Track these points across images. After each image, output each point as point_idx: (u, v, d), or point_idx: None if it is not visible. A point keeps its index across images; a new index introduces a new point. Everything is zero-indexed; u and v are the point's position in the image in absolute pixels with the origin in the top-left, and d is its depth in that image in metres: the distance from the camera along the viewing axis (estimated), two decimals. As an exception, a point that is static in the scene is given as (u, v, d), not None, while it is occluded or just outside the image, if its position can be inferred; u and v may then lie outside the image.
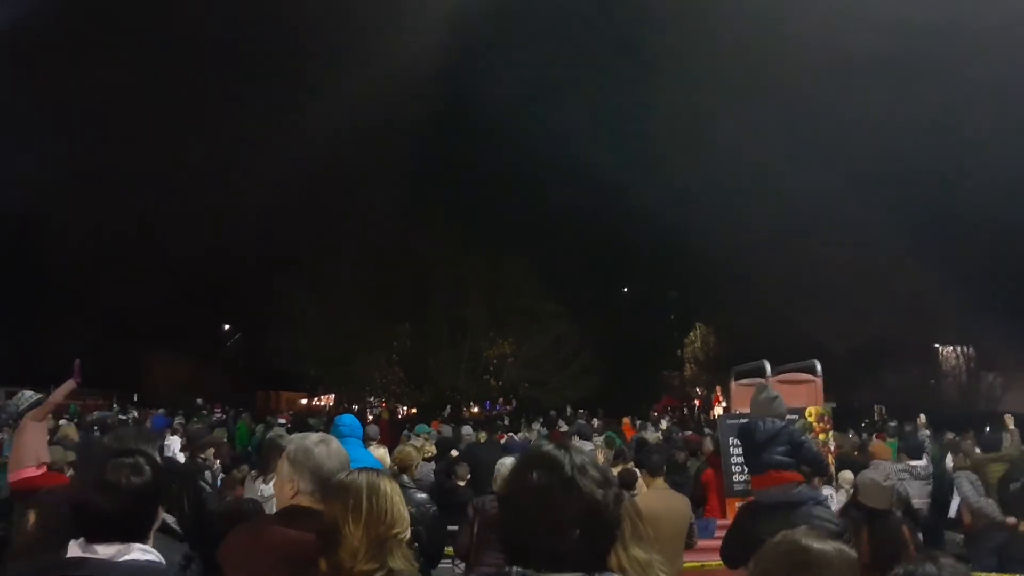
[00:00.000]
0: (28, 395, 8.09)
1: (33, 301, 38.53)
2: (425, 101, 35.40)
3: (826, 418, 8.62)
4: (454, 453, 11.38)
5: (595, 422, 20.33)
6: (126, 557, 2.13)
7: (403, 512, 2.50)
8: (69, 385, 8.04)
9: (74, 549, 2.14)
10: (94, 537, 2.14)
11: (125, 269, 38.25)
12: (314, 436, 3.08)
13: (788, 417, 7.83)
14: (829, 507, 4.61)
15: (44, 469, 7.27)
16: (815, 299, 34.62)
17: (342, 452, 2.98)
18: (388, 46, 32.86)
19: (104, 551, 2.12)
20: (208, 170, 36.22)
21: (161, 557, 2.25)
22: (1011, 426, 11.89)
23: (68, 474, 7.39)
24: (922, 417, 16.34)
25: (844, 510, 5.94)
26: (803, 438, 5.48)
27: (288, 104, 35.20)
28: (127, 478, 2.20)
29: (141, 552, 2.17)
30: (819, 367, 8.89)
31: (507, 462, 6.16)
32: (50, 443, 8.52)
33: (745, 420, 5.90)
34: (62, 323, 34.79)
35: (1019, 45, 25.08)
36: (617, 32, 35.14)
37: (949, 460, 11.78)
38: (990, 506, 8.53)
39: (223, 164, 35.56)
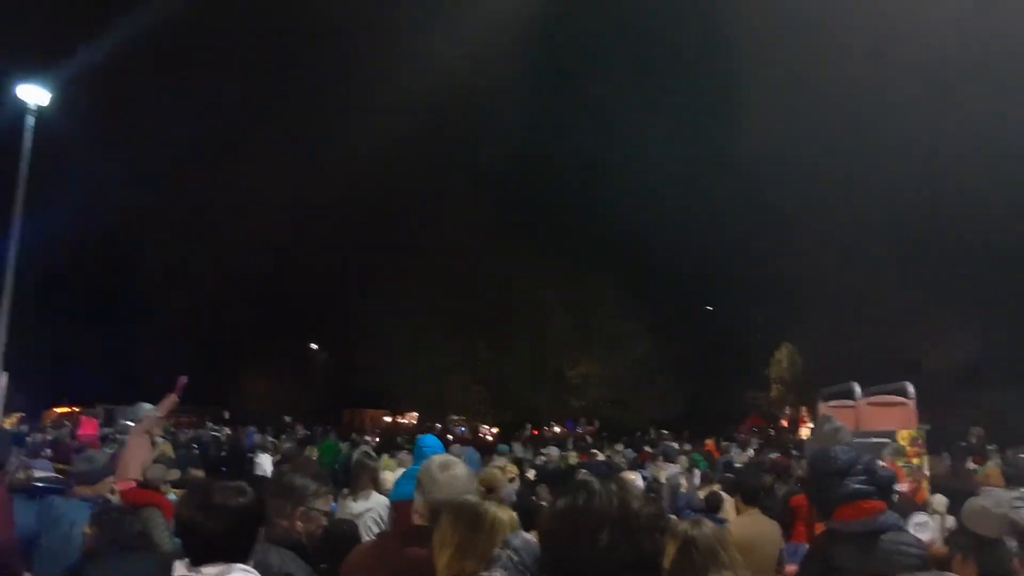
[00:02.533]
0: (146, 407, 8.37)
1: (131, 323, 40.14)
2: (506, 120, 35.74)
3: (919, 441, 8.36)
4: (531, 474, 11.38)
5: (682, 444, 20.06)
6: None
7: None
8: (172, 400, 8.36)
9: (180, 568, 2.25)
10: (199, 558, 2.24)
11: (217, 291, 39.61)
12: (438, 459, 3.09)
13: (878, 441, 7.67)
14: (909, 532, 4.45)
15: (133, 484, 7.54)
16: (908, 316, 33.52)
17: (464, 476, 2.99)
18: (469, 62, 33.30)
19: (208, 571, 2.22)
20: (295, 195, 37.26)
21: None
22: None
23: (167, 494, 7.65)
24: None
25: (951, 537, 5.72)
26: (876, 463, 5.32)
27: (371, 124, 35.88)
28: (233, 500, 2.30)
29: (242, 572, 2.25)
30: (911, 389, 8.63)
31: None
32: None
33: (815, 449, 5.75)
34: (158, 343, 36.16)
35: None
36: (700, 49, 34.85)
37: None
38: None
39: (309, 189, 36.53)
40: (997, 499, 8.01)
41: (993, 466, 12.20)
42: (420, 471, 2.99)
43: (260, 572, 2.34)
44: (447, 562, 2.41)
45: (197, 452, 17.16)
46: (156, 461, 9.96)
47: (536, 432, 29.84)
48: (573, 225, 35.88)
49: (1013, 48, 25.75)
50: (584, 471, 10.26)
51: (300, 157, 36.59)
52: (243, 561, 2.30)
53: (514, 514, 2.59)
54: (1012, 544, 7.46)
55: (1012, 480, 10.01)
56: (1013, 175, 28.61)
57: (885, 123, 31.12)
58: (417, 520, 2.82)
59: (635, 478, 7.95)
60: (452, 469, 2.95)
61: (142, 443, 8.26)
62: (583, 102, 34.96)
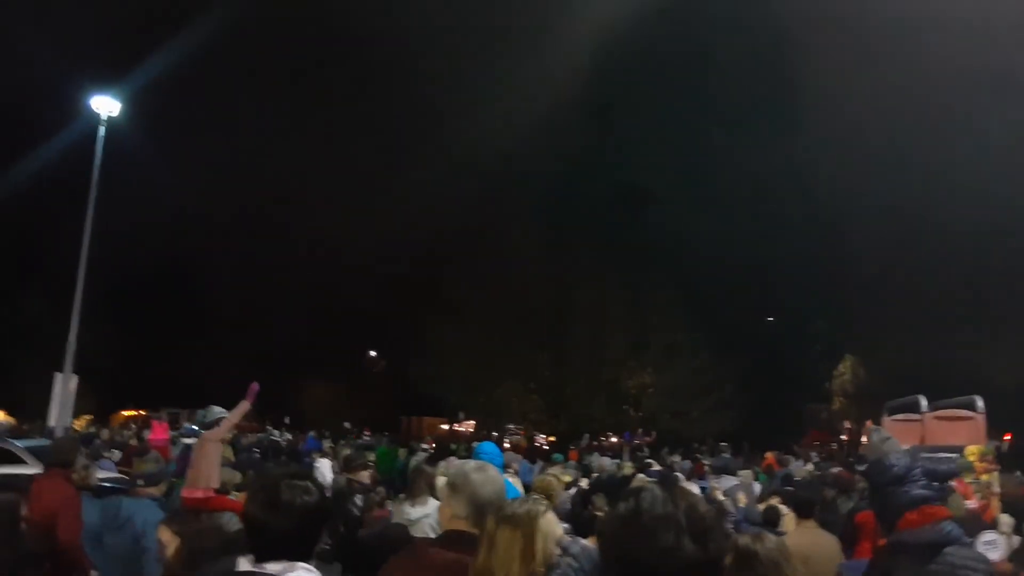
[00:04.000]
0: (217, 411, 8.46)
1: (197, 330, 41.11)
2: (565, 131, 35.76)
3: (989, 457, 8.09)
4: (583, 483, 11.29)
5: (740, 457, 19.79)
6: (291, 574, 2.24)
7: (546, 552, 2.44)
8: (244, 406, 8.46)
9: (244, 564, 2.27)
10: (263, 555, 2.27)
11: (279, 298, 40.35)
12: (472, 463, 3.11)
13: (944, 455, 7.44)
14: (974, 548, 4.28)
15: (212, 493, 7.68)
16: (980, 329, 32.58)
17: (499, 479, 3.00)
18: (527, 76, 33.47)
19: (272, 568, 2.24)
20: (360, 206, 37.78)
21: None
22: None
23: (233, 496, 7.76)
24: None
25: (1015, 555, 5.51)
26: (932, 466, 5.15)
27: (430, 135, 36.30)
28: (300, 498, 2.31)
29: (305, 571, 2.27)
30: (981, 403, 8.37)
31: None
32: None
33: (872, 459, 5.57)
34: (222, 350, 36.94)
35: None
36: (755, 58, 34.49)
37: None
38: None
39: (375, 201, 37.02)
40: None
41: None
42: (455, 476, 3.00)
43: None
44: (491, 568, 2.40)
45: (258, 456, 17.41)
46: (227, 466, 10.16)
47: (594, 443, 29.71)
48: (633, 236, 35.69)
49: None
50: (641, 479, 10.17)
51: (367, 171, 37.13)
52: (306, 560, 2.32)
53: (553, 517, 2.56)
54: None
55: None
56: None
57: (954, 140, 30.46)
58: (456, 524, 2.81)
59: (692, 488, 7.85)
60: (486, 471, 2.96)
61: (216, 449, 8.34)
62: (641, 115, 34.76)
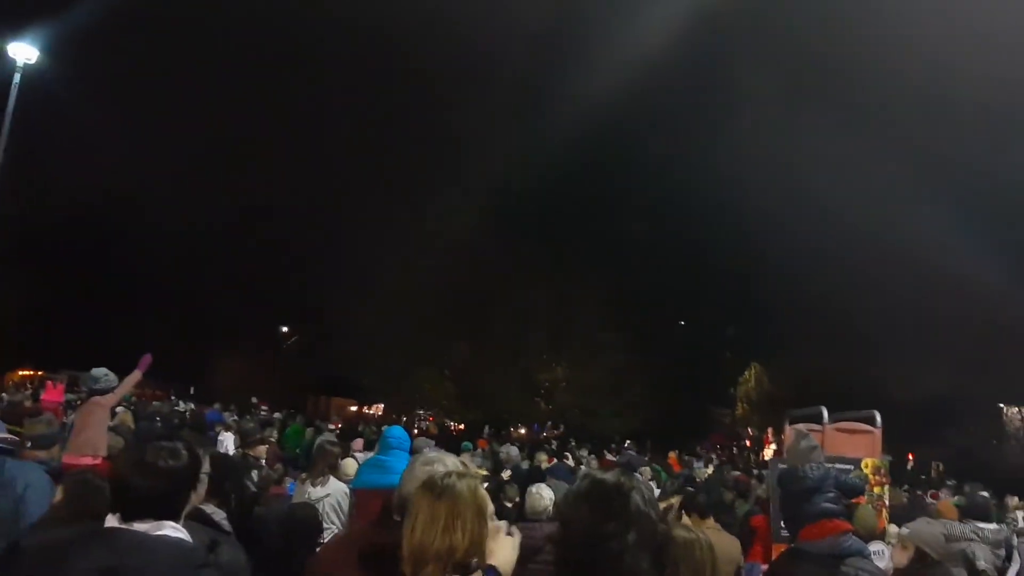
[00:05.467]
0: (103, 373, 8.18)
1: (106, 292, 39.65)
2: (499, 128, 35.85)
3: (883, 471, 8.40)
4: (505, 475, 11.31)
5: (645, 455, 20.12)
6: (158, 532, 2.27)
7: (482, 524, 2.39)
8: (135, 376, 8.21)
9: (111, 521, 2.29)
10: (131, 514, 2.29)
11: (193, 268, 39.26)
12: (425, 456, 2.99)
13: (842, 467, 7.69)
14: (871, 560, 4.46)
15: (100, 460, 7.40)
16: (878, 349, 33.88)
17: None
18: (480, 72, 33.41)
19: (139, 526, 2.27)
20: (280, 177, 37.02)
21: (190, 537, 2.36)
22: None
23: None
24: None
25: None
26: (844, 479, 5.34)
27: (374, 114, 35.82)
28: (165, 460, 2.36)
29: (172, 530, 2.31)
30: (879, 418, 8.68)
31: (541, 490, 6.09)
32: (110, 430, 8.68)
33: (786, 466, 5.75)
34: (132, 314, 35.80)
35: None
36: (694, 66, 35.02)
37: (1020, 520, 11.45)
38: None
39: (295, 174, 36.31)
40: (951, 531, 8.09)
41: (947, 498, 12.27)
42: (406, 468, 2.92)
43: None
44: (427, 540, 2.34)
45: (159, 425, 16.94)
46: (115, 431, 9.84)
47: (502, 433, 29.85)
48: (561, 235, 36.01)
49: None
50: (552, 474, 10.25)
51: (287, 140, 36.38)
52: (175, 520, 2.35)
53: (478, 485, 2.51)
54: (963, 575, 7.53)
55: (967, 514, 10.06)
56: (985, 215, 29.08)
57: (869, 159, 31.52)
58: (393, 515, 2.74)
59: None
60: (433, 465, 2.88)
61: (104, 416, 8.10)
62: (578, 116, 35.02)
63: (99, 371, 8.24)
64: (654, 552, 1.74)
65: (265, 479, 8.03)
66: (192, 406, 25.53)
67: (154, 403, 23.82)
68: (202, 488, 2.55)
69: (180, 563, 2.22)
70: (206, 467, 2.55)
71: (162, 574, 2.18)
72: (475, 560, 2.30)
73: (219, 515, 4.17)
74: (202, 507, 3.85)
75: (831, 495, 4.93)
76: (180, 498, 2.41)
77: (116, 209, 38.02)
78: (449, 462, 2.88)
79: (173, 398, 27.83)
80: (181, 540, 2.31)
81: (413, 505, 2.42)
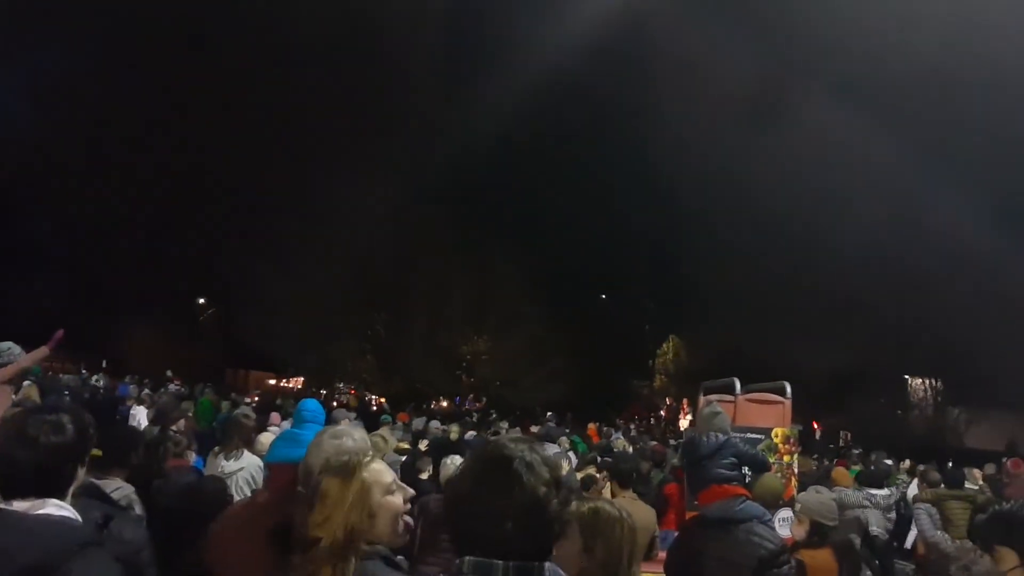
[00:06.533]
0: (6, 347, 7.82)
1: (12, 259, 37.95)
2: (423, 99, 35.47)
3: (792, 440, 8.65)
4: (422, 446, 11.31)
5: (564, 427, 20.34)
6: (40, 511, 2.15)
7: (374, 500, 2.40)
8: (41, 352, 7.87)
9: None
10: (11, 491, 2.17)
11: (104, 236, 37.92)
12: (333, 428, 2.95)
13: (754, 436, 7.91)
14: (772, 526, 4.60)
15: None
16: (791, 323, 34.89)
17: (354, 449, 2.86)
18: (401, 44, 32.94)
19: (19, 505, 2.15)
20: (193, 137, 35.94)
21: (77, 515, 2.25)
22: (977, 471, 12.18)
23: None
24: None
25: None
26: (745, 449, 5.51)
27: (290, 83, 34.97)
28: (46, 435, 2.23)
29: (56, 508, 2.18)
30: (789, 389, 8.91)
31: (456, 460, 6.15)
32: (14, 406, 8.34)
33: (688, 435, 5.92)
34: (40, 283, 34.42)
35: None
36: (617, 41, 35.16)
37: (913, 488, 11.93)
38: (944, 540, 8.64)
39: (208, 133, 35.26)
40: (845, 499, 8.42)
41: (843, 468, 12.75)
42: (312, 439, 2.88)
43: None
44: (314, 519, 2.35)
45: (68, 399, 16.41)
46: (20, 405, 9.46)
47: (424, 406, 29.85)
48: (482, 207, 35.92)
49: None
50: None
51: (205, 108, 35.20)
52: (59, 498, 2.23)
53: (383, 466, 2.51)
54: (856, 540, 7.85)
55: (863, 482, 10.49)
56: (890, 194, 30.09)
57: (777, 138, 32.21)
58: (298, 487, 2.71)
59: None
60: (341, 438, 2.85)
61: (3, 392, 7.78)
62: (500, 89, 34.86)
63: (2, 345, 7.88)
64: (544, 525, 1.75)
65: (163, 450, 7.77)
66: (103, 379, 24.79)
67: (63, 376, 23.07)
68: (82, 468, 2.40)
69: (61, 543, 2.09)
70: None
71: (41, 555, 2.05)
72: (367, 541, 2.32)
73: (126, 489, 4.07)
74: (100, 482, 3.74)
75: (726, 462, 5.08)
76: (65, 475, 2.29)
77: (24, 168, 36.38)
78: (357, 435, 2.88)
79: (84, 371, 26.94)
80: (65, 518, 2.19)
81: (313, 483, 2.42)
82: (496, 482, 1.73)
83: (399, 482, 2.53)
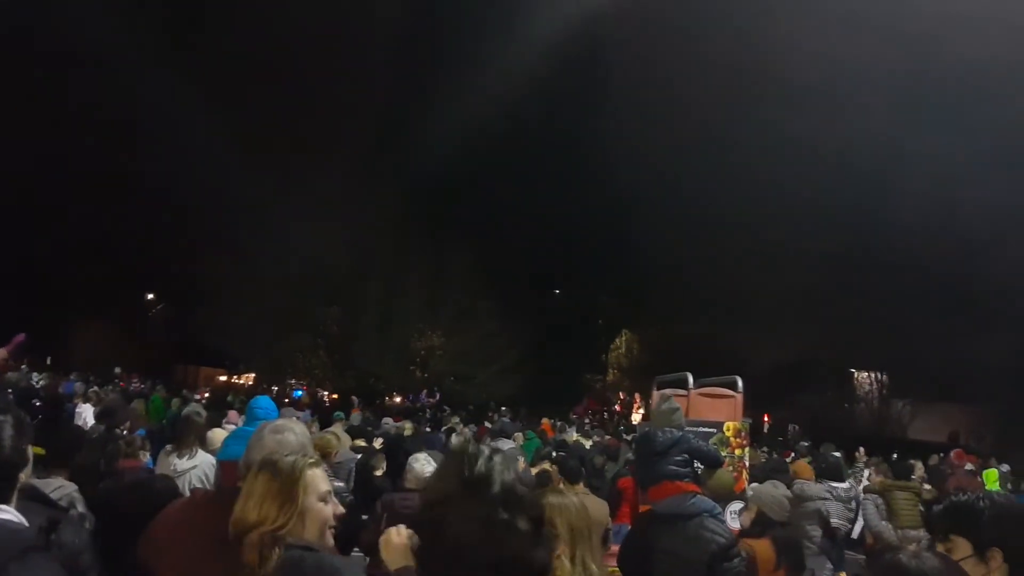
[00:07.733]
0: None
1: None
2: (376, 91, 35.21)
3: (743, 433, 8.76)
4: (377, 444, 11.25)
5: (518, 422, 20.38)
6: None
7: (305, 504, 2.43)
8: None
9: None
10: None
11: (48, 230, 37.07)
12: (273, 423, 2.97)
13: (706, 430, 7.99)
14: (723, 520, 4.66)
15: None
16: (742, 318, 35.37)
17: (295, 443, 2.85)
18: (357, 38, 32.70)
19: None
20: (144, 135, 35.32)
21: (22, 518, 2.16)
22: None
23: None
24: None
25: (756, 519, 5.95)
26: (699, 444, 5.56)
27: (246, 75, 34.47)
28: None
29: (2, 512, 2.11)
30: (740, 383, 9.02)
31: (420, 458, 6.13)
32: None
33: (643, 431, 5.96)
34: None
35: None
36: (570, 39, 35.24)
37: (865, 478, 12.18)
38: (888, 530, 8.87)
39: (161, 131, 34.68)
40: (807, 492, 8.55)
41: (804, 461, 12.96)
42: (253, 434, 2.87)
43: None
44: (246, 512, 2.35)
45: (10, 398, 16.00)
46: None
47: (378, 403, 29.69)
48: (434, 200, 35.75)
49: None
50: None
51: (153, 96, 34.50)
52: (5, 502, 2.15)
53: (320, 473, 2.54)
54: (816, 532, 7.98)
55: (822, 475, 10.66)
56: (837, 189, 30.63)
57: (727, 134, 32.60)
58: (239, 482, 2.71)
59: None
60: (282, 433, 2.85)
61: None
62: (452, 83, 34.76)
63: None
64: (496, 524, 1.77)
65: (114, 450, 7.62)
66: (44, 378, 24.19)
67: (7, 374, 22.48)
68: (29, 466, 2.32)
69: (1, 547, 2.00)
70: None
71: None
72: (290, 536, 2.33)
73: (67, 488, 3.98)
74: (40, 482, 3.65)
75: (678, 459, 5.12)
76: (5, 480, 2.19)
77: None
78: (298, 430, 2.89)
79: (25, 368, 26.26)
80: (8, 523, 2.11)
81: (249, 480, 2.45)
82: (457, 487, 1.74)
83: (333, 497, 2.56)
